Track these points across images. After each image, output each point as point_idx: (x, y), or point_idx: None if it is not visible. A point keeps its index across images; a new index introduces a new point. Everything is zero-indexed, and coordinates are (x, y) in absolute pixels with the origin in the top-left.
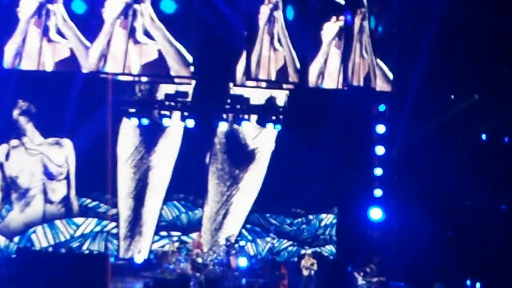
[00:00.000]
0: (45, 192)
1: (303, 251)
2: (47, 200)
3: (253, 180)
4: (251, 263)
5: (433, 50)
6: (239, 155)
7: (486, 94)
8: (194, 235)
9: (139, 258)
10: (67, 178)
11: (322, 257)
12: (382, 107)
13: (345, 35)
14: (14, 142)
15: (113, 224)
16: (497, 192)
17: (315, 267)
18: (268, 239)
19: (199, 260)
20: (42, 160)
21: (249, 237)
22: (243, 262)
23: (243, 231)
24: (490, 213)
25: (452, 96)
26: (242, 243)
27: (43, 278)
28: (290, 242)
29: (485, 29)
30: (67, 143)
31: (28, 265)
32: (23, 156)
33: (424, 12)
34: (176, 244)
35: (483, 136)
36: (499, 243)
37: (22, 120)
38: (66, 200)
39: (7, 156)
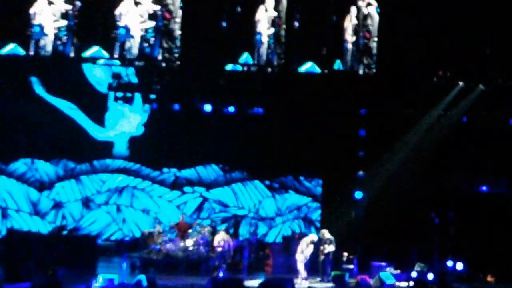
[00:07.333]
0: None
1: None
2: None
3: None
4: (236, 244)
5: (416, 34)
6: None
7: (467, 76)
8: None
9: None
10: None
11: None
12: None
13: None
14: None
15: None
16: (477, 174)
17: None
18: None
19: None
20: None
21: None
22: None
23: None
24: (470, 194)
25: (435, 79)
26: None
27: (32, 259)
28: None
29: (467, 13)
30: None
31: (17, 246)
32: None
33: None
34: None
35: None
36: (480, 223)
37: None
38: None
39: None
